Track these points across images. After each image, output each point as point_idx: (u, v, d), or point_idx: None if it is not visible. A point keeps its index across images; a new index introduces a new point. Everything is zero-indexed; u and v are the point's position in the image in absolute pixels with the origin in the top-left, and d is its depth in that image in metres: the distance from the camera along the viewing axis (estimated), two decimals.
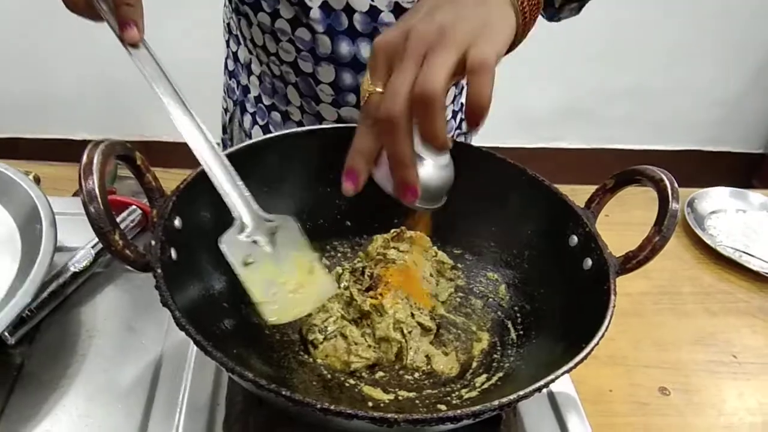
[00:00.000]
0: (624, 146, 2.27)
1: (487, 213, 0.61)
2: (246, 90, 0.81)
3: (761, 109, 2.28)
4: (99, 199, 0.39)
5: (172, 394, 0.51)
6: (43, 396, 0.50)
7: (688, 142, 2.31)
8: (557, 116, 2.17)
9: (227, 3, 0.78)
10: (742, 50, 2.11)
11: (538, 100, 2.11)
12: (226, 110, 0.88)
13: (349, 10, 0.65)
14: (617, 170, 0.53)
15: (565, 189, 0.57)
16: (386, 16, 0.66)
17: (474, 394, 0.49)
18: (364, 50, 0.68)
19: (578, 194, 0.58)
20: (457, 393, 0.49)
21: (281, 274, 0.47)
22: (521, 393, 0.35)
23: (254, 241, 0.46)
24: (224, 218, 0.55)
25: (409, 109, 0.38)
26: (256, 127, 0.81)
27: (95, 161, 0.39)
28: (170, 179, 0.56)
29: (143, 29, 0.46)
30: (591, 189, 0.55)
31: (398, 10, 0.66)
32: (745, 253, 0.82)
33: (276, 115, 0.79)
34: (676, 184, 0.46)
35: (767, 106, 2.28)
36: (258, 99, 0.80)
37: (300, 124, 0.78)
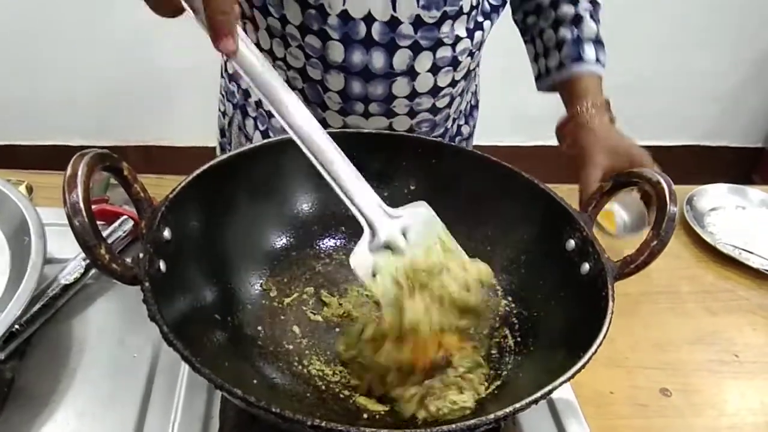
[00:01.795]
0: None
1: (483, 218, 0.60)
2: (247, 94, 0.80)
3: (759, 103, 2.26)
4: (84, 213, 0.38)
5: (164, 407, 0.50)
6: (35, 411, 0.50)
7: (685, 138, 2.30)
8: (554, 114, 2.15)
9: None
10: (739, 44, 2.09)
11: (534, 98, 2.09)
12: (224, 113, 0.87)
13: (370, 19, 0.65)
14: None
15: (563, 189, 0.56)
16: (405, 28, 0.65)
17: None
18: (377, 60, 0.67)
19: (577, 195, 0.57)
20: None
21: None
22: (517, 406, 0.34)
23: (387, 246, 0.47)
24: (215, 228, 0.54)
25: None
26: (257, 132, 0.80)
27: (80, 173, 0.39)
28: (165, 186, 0.54)
29: (238, 39, 0.44)
30: None
31: (418, 23, 0.65)
32: (745, 250, 0.81)
33: (276, 121, 0.78)
34: (673, 187, 0.46)
35: (765, 100, 2.26)
36: (258, 104, 0.79)
37: None
